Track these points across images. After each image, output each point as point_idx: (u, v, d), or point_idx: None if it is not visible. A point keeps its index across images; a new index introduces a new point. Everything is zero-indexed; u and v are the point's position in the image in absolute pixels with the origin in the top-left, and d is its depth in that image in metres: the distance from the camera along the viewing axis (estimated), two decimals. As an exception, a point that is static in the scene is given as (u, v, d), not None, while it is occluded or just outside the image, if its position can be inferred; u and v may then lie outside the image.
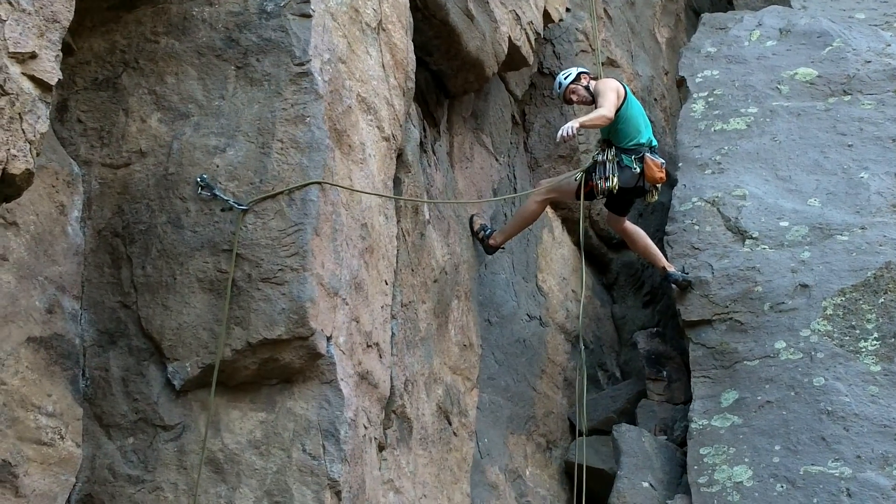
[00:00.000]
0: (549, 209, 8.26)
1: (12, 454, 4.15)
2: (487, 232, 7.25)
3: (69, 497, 4.45)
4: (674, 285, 7.67)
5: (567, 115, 8.37)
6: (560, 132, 6.91)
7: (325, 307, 4.72)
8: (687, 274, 7.66)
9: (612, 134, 7.31)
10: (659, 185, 7.34)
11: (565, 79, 7.44)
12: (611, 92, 7.24)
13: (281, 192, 4.70)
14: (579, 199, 7.33)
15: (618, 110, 7.24)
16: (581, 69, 7.58)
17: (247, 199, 4.69)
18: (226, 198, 4.68)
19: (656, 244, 8.87)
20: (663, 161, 7.34)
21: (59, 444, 4.37)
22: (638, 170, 7.20)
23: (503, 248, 7.40)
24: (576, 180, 7.31)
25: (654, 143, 7.40)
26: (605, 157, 7.23)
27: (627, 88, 7.52)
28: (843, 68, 8.86)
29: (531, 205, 7.39)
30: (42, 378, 4.37)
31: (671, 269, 7.66)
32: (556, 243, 8.30)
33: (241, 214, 4.64)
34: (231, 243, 4.65)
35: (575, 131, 6.87)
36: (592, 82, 7.48)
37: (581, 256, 7.42)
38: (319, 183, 4.76)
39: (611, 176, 7.16)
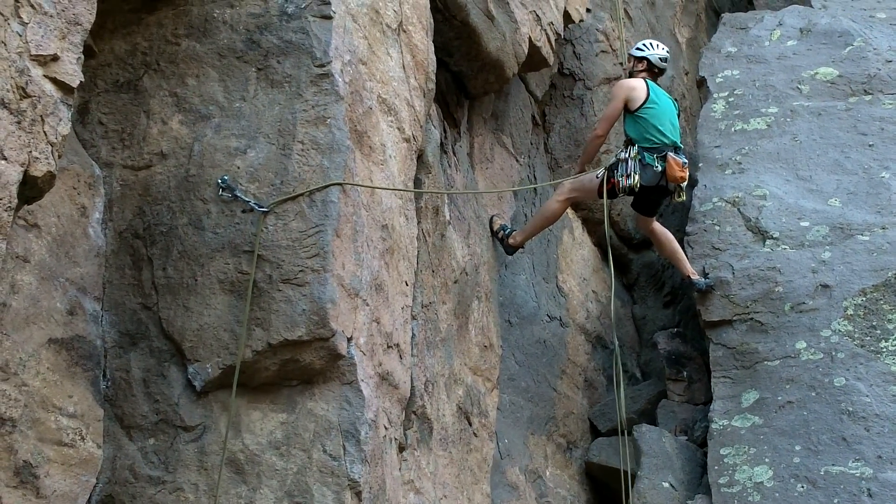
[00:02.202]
0: (569, 210, 8.25)
1: (33, 455, 4.16)
2: (507, 231, 7.23)
3: (90, 498, 4.46)
4: (696, 292, 7.69)
5: (587, 115, 8.37)
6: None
7: (346, 308, 4.72)
8: (710, 280, 7.66)
9: (633, 132, 7.30)
10: (684, 185, 7.31)
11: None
12: (615, 100, 7.40)
13: (302, 194, 4.71)
14: (602, 198, 7.29)
15: (637, 109, 7.26)
16: (632, 52, 7.71)
17: (268, 200, 4.70)
18: (247, 199, 4.69)
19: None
20: (686, 161, 7.30)
21: (79, 445, 4.38)
22: (660, 168, 7.16)
23: (523, 248, 7.37)
24: (598, 178, 7.27)
25: (680, 145, 7.39)
26: (627, 155, 7.20)
27: (655, 88, 7.50)
28: (864, 68, 8.82)
29: (553, 204, 7.38)
30: (63, 379, 4.38)
31: (696, 277, 7.67)
32: (577, 244, 8.29)
33: (262, 216, 4.65)
34: (252, 244, 4.66)
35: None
36: (622, 78, 7.57)
37: (608, 254, 7.31)
38: (340, 184, 4.76)
39: (632, 174, 7.11)
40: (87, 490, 4.43)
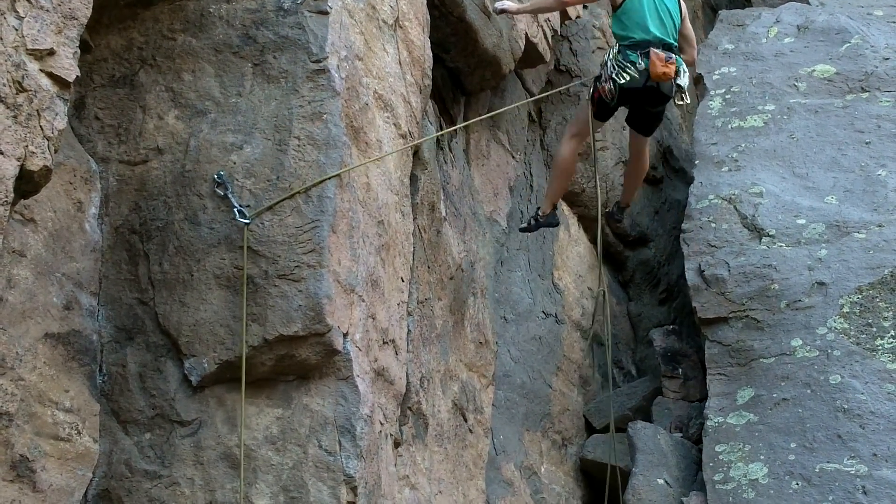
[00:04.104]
0: (565, 206, 8.26)
1: (30, 449, 4.17)
2: (535, 212, 6.89)
3: (86, 492, 4.46)
4: (609, 221, 7.34)
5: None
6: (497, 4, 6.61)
7: (342, 304, 4.73)
8: (620, 219, 7.33)
9: (617, 29, 6.68)
10: (684, 87, 6.58)
11: None
12: None
13: (283, 199, 4.69)
14: (599, 120, 6.70)
15: (620, 4, 6.65)
16: None
17: (263, 197, 4.70)
18: (235, 205, 4.68)
19: (671, 242, 8.88)
20: (671, 55, 6.53)
21: (76, 440, 4.39)
22: (644, 66, 6.45)
23: (555, 207, 6.96)
24: (587, 100, 6.70)
25: (670, 42, 6.63)
26: (608, 57, 6.60)
27: None
28: (862, 65, 8.82)
29: (562, 152, 6.89)
30: (59, 374, 4.38)
31: (622, 207, 7.25)
32: (573, 241, 8.30)
33: (245, 227, 4.64)
34: (248, 240, 4.66)
35: (509, 8, 6.66)
36: None
37: (599, 213, 6.80)
38: (311, 187, 4.72)
39: (614, 75, 6.45)
40: (84, 484, 4.44)
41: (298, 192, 4.70)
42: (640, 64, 6.43)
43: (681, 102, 6.65)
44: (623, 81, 6.41)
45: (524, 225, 7.02)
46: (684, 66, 6.63)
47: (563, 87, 7.01)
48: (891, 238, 7.55)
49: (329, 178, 4.74)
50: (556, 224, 6.91)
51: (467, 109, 7.29)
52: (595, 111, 6.57)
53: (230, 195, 4.70)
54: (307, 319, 4.59)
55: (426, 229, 5.95)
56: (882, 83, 8.68)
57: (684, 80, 6.57)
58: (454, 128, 6.51)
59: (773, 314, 7.43)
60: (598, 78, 6.57)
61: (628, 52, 6.47)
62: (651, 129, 7.06)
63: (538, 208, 6.90)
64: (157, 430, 4.61)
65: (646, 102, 6.64)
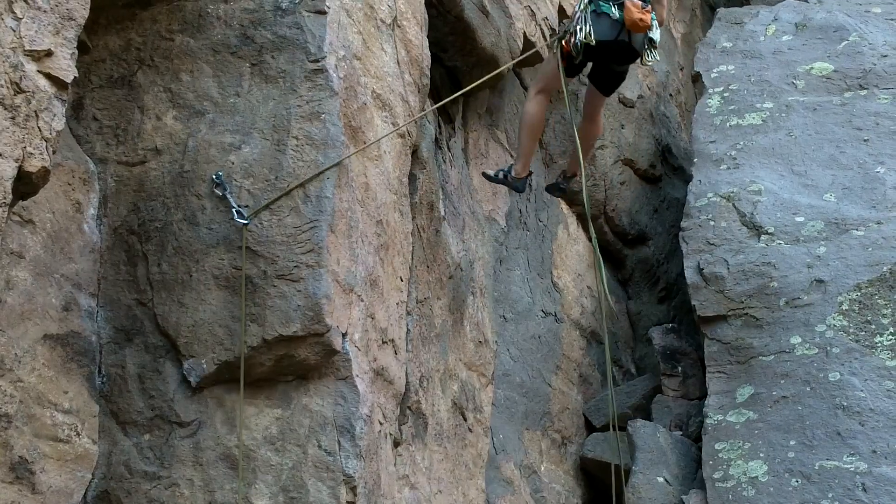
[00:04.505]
0: (564, 205, 8.25)
1: (29, 451, 4.17)
2: (507, 169, 6.42)
3: (85, 493, 4.46)
4: (552, 190, 6.92)
5: (581, 110, 8.36)
6: None
7: (341, 304, 4.73)
8: (564, 189, 6.85)
9: None
10: (655, 42, 6.07)
11: None
12: None
13: (280, 197, 4.69)
14: (568, 76, 6.17)
15: None
16: None
17: (263, 196, 4.70)
18: (233, 205, 4.67)
19: (670, 240, 8.88)
20: (647, 4, 6.03)
21: (75, 441, 4.39)
22: (618, 16, 5.92)
23: (531, 172, 6.51)
24: (554, 54, 6.16)
25: None
26: (577, 8, 6.04)
27: None
28: (860, 63, 8.83)
29: (528, 109, 6.38)
30: (58, 375, 4.38)
31: (568, 176, 6.76)
32: (572, 239, 8.30)
33: (244, 228, 4.64)
34: (246, 241, 4.65)
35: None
36: None
37: (581, 167, 6.20)
38: (299, 187, 4.71)
39: (584, 25, 5.89)
40: (83, 486, 4.44)
41: (295, 188, 4.69)
42: (614, 14, 5.95)
43: (650, 61, 6.17)
44: (594, 34, 5.91)
45: (490, 172, 6.53)
46: (657, 21, 6.17)
47: (501, 69, 6.59)
48: (889, 235, 7.55)
49: (326, 170, 4.73)
50: (521, 191, 6.46)
51: (466, 109, 7.28)
52: (565, 66, 6.07)
53: (228, 195, 4.69)
54: (306, 319, 4.59)
55: (425, 229, 5.94)
56: (880, 80, 8.68)
57: (656, 35, 6.09)
58: (448, 100, 6.19)
59: (773, 312, 7.44)
60: (566, 31, 6.08)
61: (600, 2, 6.00)
62: (613, 89, 6.55)
63: (511, 165, 6.42)
64: (157, 431, 4.61)
65: (614, 58, 6.18)
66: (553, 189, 6.89)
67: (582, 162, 6.14)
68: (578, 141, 6.14)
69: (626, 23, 5.88)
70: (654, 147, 9.22)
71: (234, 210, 4.65)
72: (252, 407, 4.63)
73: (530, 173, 6.47)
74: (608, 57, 6.09)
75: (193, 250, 4.69)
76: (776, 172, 8.20)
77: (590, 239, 8.32)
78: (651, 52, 6.09)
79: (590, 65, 6.40)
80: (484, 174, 6.54)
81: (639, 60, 6.16)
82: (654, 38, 6.05)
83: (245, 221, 4.64)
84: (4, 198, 3.55)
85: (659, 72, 9.61)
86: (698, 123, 8.77)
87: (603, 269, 6.14)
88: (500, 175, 6.39)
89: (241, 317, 4.58)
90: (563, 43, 5.99)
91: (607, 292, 5.96)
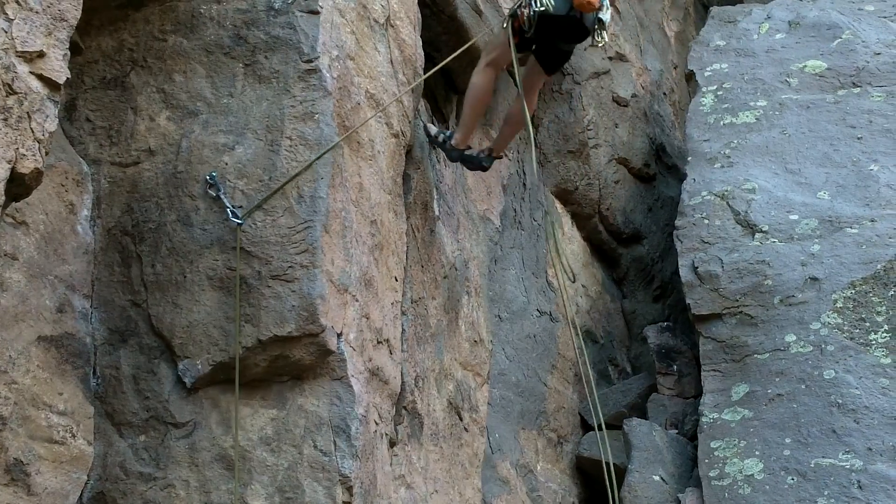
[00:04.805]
0: (559, 204, 8.26)
1: (24, 453, 4.16)
2: (448, 134, 6.18)
3: (81, 495, 4.46)
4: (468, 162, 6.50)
5: (576, 110, 8.37)
6: None
7: (336, 304, 4.73)
8: (485, 167, 6.45)
9: None
10: (605, 23, 5.95)
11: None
12: None
13: (273, 193, 4.68)
14: (519, 52, 5.97)
15: None
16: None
17: (256, 197, 4.69)
18: (227, 205, 4.67)
19: (665, 239, 8.88)
20: None
21: (70, 443, 4.38)
22: None
23: (470, 148, 6.28)
24: (504, 28, 5.97)
25: None
26: None
27: None
28: (853, 60, 8.83)
29: (475, 81, 6.17)
30: (53, 377, 4.38)
31: (480, 148, 6.46)
32: (566, 238, 8.30)
33: (238, 228, 4.63)
34: (240, 241, 4.65)
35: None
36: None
37: (526, 121, 5.91)
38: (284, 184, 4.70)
39: (534, 1, 5.69)
40: (78, 487, 4.43)
41: (286, 184, 4.68)
42: None
43: (599, 42, 6.00)
44: (543, 8, 5.71)
45: (433, 131, 6.25)
46: (608, 1, 6.02)
47: (464, 47, 6.23)
48: (883, 233, 7.56)
49: (316, 160, 4.71)
50: (454, 160, 6.23)
51: (459, 108, 7.27)
52: (517, 42, 5.89)
53: (222, 196, 4.69)
54: (301, 320, 4.59)
55: (419, 228, 5.94)
56: (873, 78, 8.69)
57: (606, 16, 5.95)
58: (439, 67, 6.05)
59: (767, 310, 7.44)
60: (520, 4, 5.85)
61: None
62: (556, 68, 6.39)
63: (453, 132, 6.21)
64: (152, 432, 4.60)
65: (563, 36, 6.00)
66: (469, 161, 6.40)
67: (533, 138, 5.93)
68: (510, 116, 6.04)
69: (574, 3, 5.73)
70: (649, 146, 9.23)
71: (228, 210, 4.65)
72: (247, 407, 4.62)
73: (468, 147, 6.25)
74: (558, 33, 5.92)
75: (187, 251, 4.69)
76: (770, 171, 8.21)
77: (585, 239, 8.35)
78: (600, 32, 5.95)
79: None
80: (425, 127, 6.23)
81: (588, 40, 6.02)
82: (604, 19, 5.92)
83: (239, 221, 4.64)
84: (-3, 199, 3.55)
85: (652, 70, 9.62)
86: (692, 122, 8.78)
87: (558, 239, 5.93)
88: (440, 137, 6.16)
89: (235, 317, 4.58)
90: (516, 17, 5.82)
91: (567, 265, 5.74)
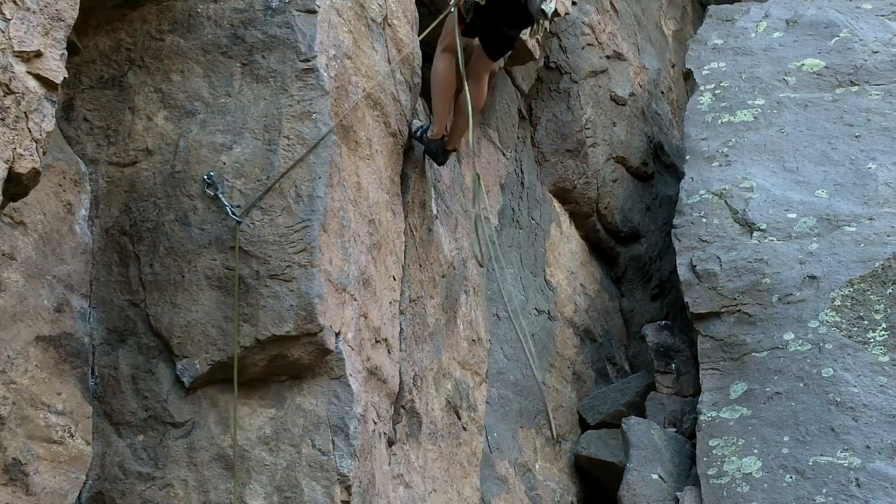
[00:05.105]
0: (557, 203, 8.26)
1: (22, 453, 4.16)
2: (425, 128, 5.99)
3: (79, 495, 4.46)
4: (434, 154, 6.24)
5: (574, 109, 8.37)
6: None
7: (334, 303, 4.73)
8: (439, 159, 6.21)
9: None
10: (548, 13, 5.83)
11: None
12: None
13: (271, 186, 4.68)
14: (467, 36, 5.87)
15: None
16: None
17: (254, 196, 4.69)
18: (226, 203, 4.67)
19: (663, 237, 8.89)
20: None
21: (69, 443, 4.38)
22: None
23: (446, 135, 6.08)
24: (452, 12, 5.82)
25: None
26: None
27: None
28: (851, 59, 8.83)
29: (436, 69, 6.02)
30: (51, 377, 4.38)
31: (447, 149, 6.17)
32: (564, 237, 8.30)
33: (237, 226, 4.63)
34: (238, 241, 4.65)
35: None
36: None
37: (466, 93, 5.74)
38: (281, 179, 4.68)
39: None
40: (77, 487, 4.44)
41: (284, 175, 4.67)
42: None
43: (538, 31, 5.91)
44: None
45: (415, 126, 6.01)
46: None
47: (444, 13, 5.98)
48: (881, 231, 7.57)
49: (311, 150, 4.71)
50: (434, 153, 6.05)
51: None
52: (462, 28, 5.78)
53: (220, 195, 4.69)
54: (299, 319, 4.59)
55: (417, 227, 5.94)
56: (871, 76, 8.69)
57: (549, 7, 5.83)
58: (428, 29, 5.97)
59: (765, 308, 7.44)
60: None
61: None
62: (500, 54, 6.21)
63: (429, 126, 6.02)
64: (150, 431, 4.60)
65: (507, 20, 5.87)
66: (431, 151, 6.15)
67: (471, 125, 5.82)
68: (457, 104, 5.88)
69: None
70: (646, 145, 9.23)
71: (227, 208, 4.65)
72: (246, 407, 4.63)
73: (449, 150, 6.13)
74: (502, 18, 5.79)
75: (185, 251, 4.69)
76: (768, 169, 8.21)
77: (584, 238, 8.33)
78: (542, 22, 5.83)
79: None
80: (409, 123, 6.01)
81: (529, 31, 5.89)
82: (547, 11, 5.81)
83: (238, 219, 4.64)
84: (-5, 199, 3.55)
85: (650, 69, 9.62)
86: (690, 121, 8.78)
87: (480, 194, 5.78)
88: (419, 132, 5.99)
89: (233, 317, 4.58)
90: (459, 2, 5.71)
91: (484, 201, 5.47)
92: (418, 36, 5.99)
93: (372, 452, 4.89)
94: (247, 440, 4.58)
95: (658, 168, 9.37)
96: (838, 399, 6.92)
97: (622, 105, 8.93)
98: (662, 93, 9.77)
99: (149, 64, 4.95)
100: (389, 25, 5.66)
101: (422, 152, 6.09)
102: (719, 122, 8.65)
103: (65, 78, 3.83)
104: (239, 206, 4.67)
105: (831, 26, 9.14)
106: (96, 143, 4.88)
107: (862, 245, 7.53)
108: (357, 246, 5.00)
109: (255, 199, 4.67)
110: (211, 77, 4.90)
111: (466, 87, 5.74)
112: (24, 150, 3.65)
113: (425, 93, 6.48)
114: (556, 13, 5.98)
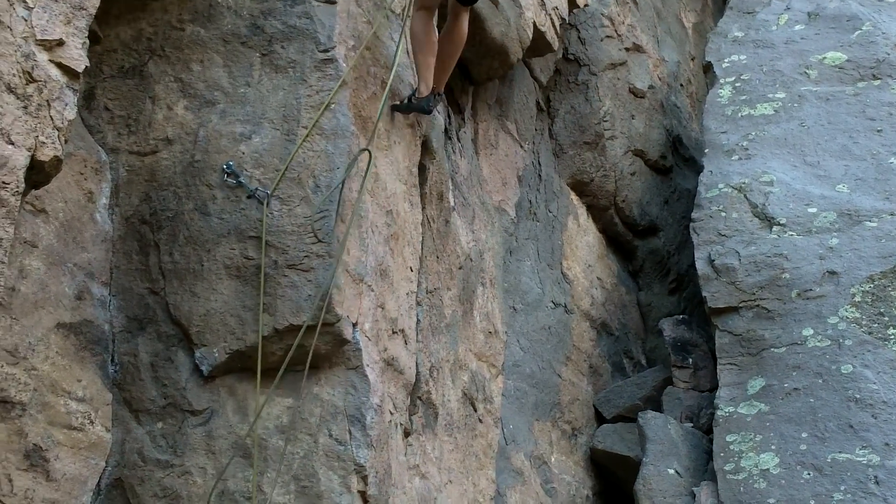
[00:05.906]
0: (574, 196, 8.25)
1: (43, 439, 4.19)
2: (412, 92, 5.80)
3: (99, 481, 4.49)
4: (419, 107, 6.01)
5: (592, 101, 8.35)
6: None
7: (351, 294, 4.74)
8: (429, 108, 5.91)
9: None
10: None
11: None
12: None
13: (289, 162, 4.69)
14: None
15: None
16: None
17: (272, 186, 4.71)
18: (250, 185, 4.70)
19: (681, 231, 8.86)
20: None
21: (88, 429, 4.41)
22: None
23: (435, 90, 5.88)
24: None
25: None
26: None
27: None
28: (873, 52, 8.78)
29: (412, 28, 5.80)
30: (72, 363, 4.41)
31: (423, 94, 5.89)
32: (582, 230, 8.29)
33: (266, 200, 4.66)
34: (257, 230, 4.67)
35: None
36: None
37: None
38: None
39: None
40: (97, 473, 4.47)
41: (279, 171, 4.67)
42: None
43: None
44: None
45: (397, 103, 5.86)
46: None
47: None
48: (902, 226, 7.52)
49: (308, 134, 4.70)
50: (427, 111, 5.87)
51: (475, 99, 7.28)
52: None
53: (242, 179, 4.71)
54: (317, 309, 4.60)
55: (435, 219, 5.95)
56: (894, 70, 8.63)
57: None
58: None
59: (784, 303, 7.41)
60: None
61: None
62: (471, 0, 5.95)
63: (415, 90, 5.84)
64: (169, 419, 4.63)
65: None
66: (417, 108, 5.90)
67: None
68: (439, 50, 5.72)
69: None
70: (665, 137, 9.20)
71: (251, 189, 4.66)
72: (263, 396, 4.64)
73: (434, 93, 5.88)
74: None
75: (205, 240, 4.71)
76: (788, 163, 8.17)
77: (601, 231, 8.29)
78: None
79: None
80: (393, 107, 5.79)
81: None
82: None
83: (267, 192, 4.65)
84: (17, 187, 3.57)
85: (670, 62, 9.59)
86: (709, 114, 8.74)
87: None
88: (406, 102, 5.80)
89: (256, 304, 4.60)
90: None
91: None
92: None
93: (388, 443, 4.90)
94: (264, 429, 4.60)
95: (676, 161, 9.34)
96: (857, 396, 6.89)
97: (641, 97, 8.91)
98: (682, 85, 9.73)
99: (169, 54, 4.97)
100: (409, 16, 5.65)
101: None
102: (739, 115, 8.61)
103: (86, 67, 3.85)
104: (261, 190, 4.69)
105: (853, 19, 9.08)
106: (117, 132, 4.91)
107: (883, 240, 7.49)
108: (375, 237, 5.01)
109: (281, 171, 4.67)
110: (230, 67, 4.92)
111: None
112: (46, 137, 3.67)
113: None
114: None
